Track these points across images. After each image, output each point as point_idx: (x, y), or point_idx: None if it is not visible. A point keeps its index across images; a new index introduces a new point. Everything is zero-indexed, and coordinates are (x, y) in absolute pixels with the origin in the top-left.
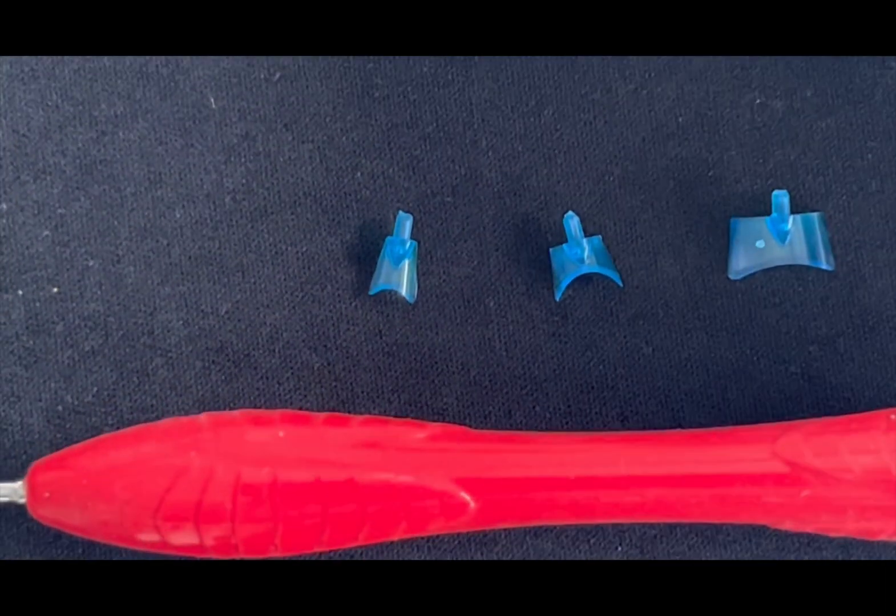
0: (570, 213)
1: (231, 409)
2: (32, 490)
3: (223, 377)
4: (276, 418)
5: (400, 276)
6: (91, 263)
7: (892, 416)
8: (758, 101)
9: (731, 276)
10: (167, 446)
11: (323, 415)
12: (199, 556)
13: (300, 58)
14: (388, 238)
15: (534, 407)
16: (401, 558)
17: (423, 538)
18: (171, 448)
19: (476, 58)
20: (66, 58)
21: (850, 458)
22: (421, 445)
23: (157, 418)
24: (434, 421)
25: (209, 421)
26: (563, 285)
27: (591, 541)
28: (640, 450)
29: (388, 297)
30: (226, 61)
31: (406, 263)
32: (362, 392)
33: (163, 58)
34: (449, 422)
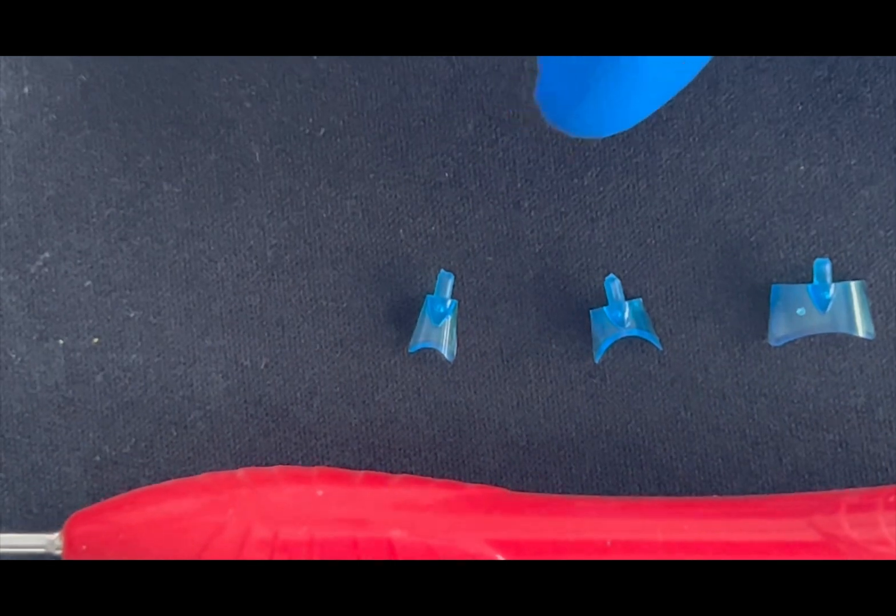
0: (612, 275)
1: (268, 463)
2: (69, 543)
3: (261, 431)
4: (314, 476)
5: (440, 335)
6: (132, 314)
7: None
8: (801, 167)
9: (771, 343)
10: (205, 502)
11: (361, 473)
12: None
13: (345, 114)
14: (429, 296)
15: (570, 468)
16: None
17: None
18: (209, 504)
19: (521, 118)
20: (112, 108)
21: (887, 531)
22: (458, 507)
23: (195, 471)
24: (471, 479)
25: (247, 477)
26: (603, 348)
27: None
28: (678, 517)
29: (428, 356)
30: (271, 115)
31: (446, 322)
32: (399, 449)
33: (208, 110)
34: (486, 481)
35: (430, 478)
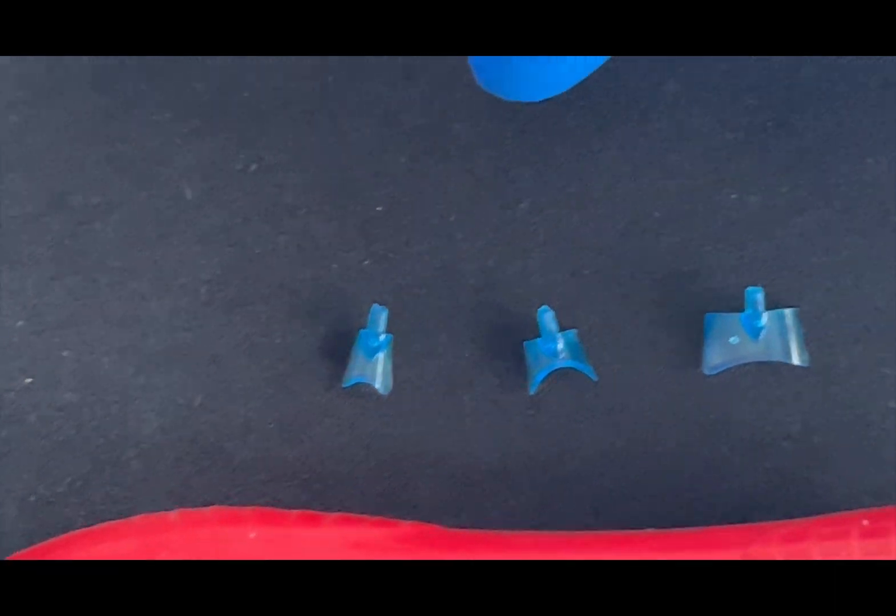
0: (545, 306)
1: (204, 500)
2: None
3: (196, 469)
4: (247, 516)
5: (374, 369)
6: (65, 354)
7: (865, 522)
8: (734, 196)
9: (706, 372)
10: (137, 546)
11: (295, 513)
12: None
13: (277, 150)
14: (363, 331)
15: (507, 501)
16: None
17: None
18: (142, 548)
19: (452, 150)
20: (43, 148)
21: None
22: (393, 546)
23: (130, 510)
24: (408, 513)
25: (180, 519)
26: (538, 379)
27: None
28: (613, 551)
29: (362, 390)
30: (202, 152)
31: (380, 356)
32: (335, 484)
33: (139, 148)
34: (422, 516)
35: (364, 516)
